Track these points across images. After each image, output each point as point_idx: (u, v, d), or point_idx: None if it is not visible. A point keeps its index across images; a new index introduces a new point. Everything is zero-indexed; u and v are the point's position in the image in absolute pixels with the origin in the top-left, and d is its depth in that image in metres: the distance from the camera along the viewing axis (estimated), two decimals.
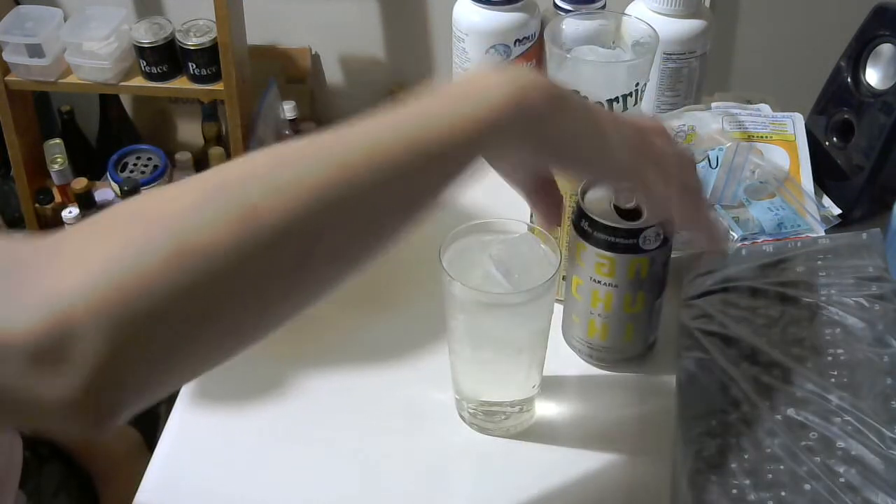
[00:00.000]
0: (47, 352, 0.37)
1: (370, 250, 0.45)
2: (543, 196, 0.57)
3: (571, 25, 0.81)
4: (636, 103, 0.78)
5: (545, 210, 0.57)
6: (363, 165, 0.42)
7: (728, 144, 0.81)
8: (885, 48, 0.81)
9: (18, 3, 1.81)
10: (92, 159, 1.93)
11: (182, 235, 0.39)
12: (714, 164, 0.79)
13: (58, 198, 1.85)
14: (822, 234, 0.77)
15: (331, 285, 0.44)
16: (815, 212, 0.79)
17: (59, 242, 0.40)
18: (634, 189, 0.57)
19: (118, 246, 0.39)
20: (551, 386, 0.68)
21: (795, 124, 0.86)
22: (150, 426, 0.89)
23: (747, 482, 0.58)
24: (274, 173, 0.42)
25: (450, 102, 0.45)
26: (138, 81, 1.72)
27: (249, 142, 1.71)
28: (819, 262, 0.71)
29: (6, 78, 1.69)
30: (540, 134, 0.47)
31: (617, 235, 0.63)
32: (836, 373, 0.63)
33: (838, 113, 0.84)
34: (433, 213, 0.46)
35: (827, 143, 0.85)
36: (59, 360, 0.37)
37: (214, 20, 1.62)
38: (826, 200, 0.83)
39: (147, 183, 1.80)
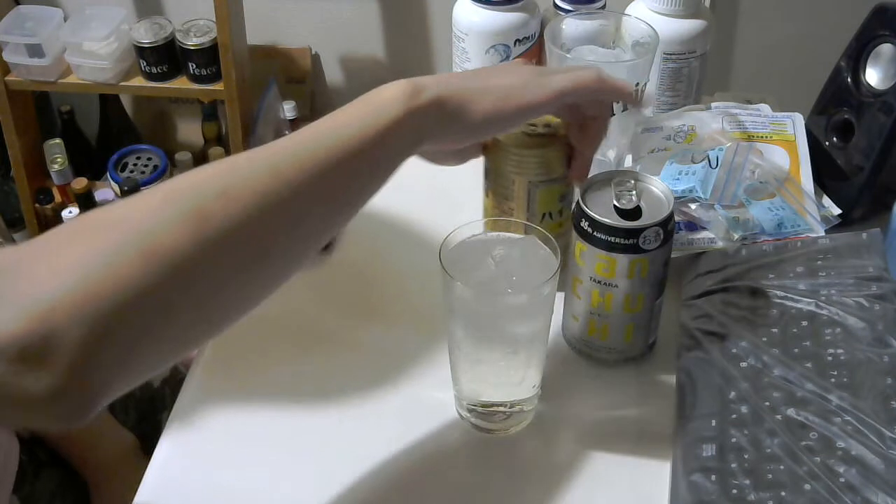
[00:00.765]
0: (31, 350, 0.42)
1: (312, 241, 0.53)
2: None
3: (571, 25, 0.81)
4: None
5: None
6: (293, 171, 0.50)
7: (728, 144, 0.81)
8: (885, 48, 0.81)
9: (18, 3, 1.81)
10: (92, 159, 1.93)
11: (146, 237, 0.45)
12: (714, 164, 0.79)
13: (58, 198, 1.84)
14: (822, 234, 0.77)
15: (286, 273, 0.52)
16: (815, 212, 0.79)
17: (37, 250, 0.46)
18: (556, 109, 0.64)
19: (90, 251, 0.44)
20: (551, 386, 0.68)
21: (795, 124, 0.86)
22: (150, 428, 0.89)
23: (747, 482, 0.58)
24: (220, 180, 0.49)
25: (359, 115, 0.54)
26: (138, 81, 1.72)
27: (249, 142, 1.71)
28: (819, 262, 0.71)
29: (6, 78, 1.69)
30: (447, 125, 0.56)
31: (617, 235, 0.63)
32: (836, 373, 0.63)
33: (838, 113, 0.84)
34: (360, 209, 0.54)
35: (827, 143, 0.85)
36: (42, 356, 0.42)
37: (214, 20, 1.62)
38: (826, 200, 0.83)
39: (147, 183, 1.80)
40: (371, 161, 0.53)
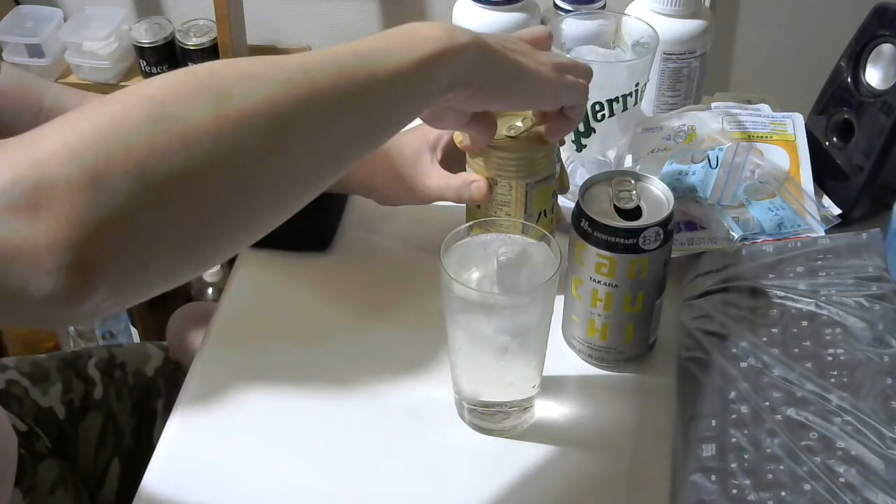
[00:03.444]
0: (20, 197, 0.38)
1: (334, 155, 0.50)
2: (476, 123, 0.65)
3: (571, 25, 0.81)
4: (636, 103, 0.79)
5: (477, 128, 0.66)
6: (324, 78, 0.48)
7: (728, 144, 0.81)
8: (885, 48, 0.81)
9: (18, 3, 1.81)
10: None
11: (158, 105, 0.43)
12: (714, 164, 0.79)
13: None
14: (822, 234, 0.77)
15: (305, 186, 0.49)
16: (815, 212, 0.79)
17: (45, 126, 0.42)
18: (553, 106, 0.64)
19: (98, 114, 0.42)
20: (551, 386, 0.68)
21: (795, 124, 0.86)
22: (146, 415, 0.89)
23: (747, 482, 0.58)
24: (246, 67, 0.47)
25: (397, 44, 0.53)
26: (138, 81, 1.72)
27: None
28: (819, 262, 0.71)
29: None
30: (476, 71, 0.56)
31: (617, 235, 0.63)
32: (836, 373, 0.63)
33: (838, 113, 0.84)
34: (382, 141, 0.53)
35: (827, 143, 0.85)
36: (34, 206, 0.38)
37: (214, 20, 1.61)
38: (826, 200, 0.83)
39: None
40: (405, 91, 0.52)
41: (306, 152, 0.48)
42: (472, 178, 0.71)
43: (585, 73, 0.65)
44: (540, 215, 0.72)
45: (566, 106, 0.63)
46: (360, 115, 0.50)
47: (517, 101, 0.62)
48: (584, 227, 0.65)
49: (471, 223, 0.64)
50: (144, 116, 0.42)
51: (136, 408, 0.89)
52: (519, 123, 0.69)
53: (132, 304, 0.44)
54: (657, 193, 0.66)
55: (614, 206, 0.65)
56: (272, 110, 0.45)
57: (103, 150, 0.40)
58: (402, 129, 0.55)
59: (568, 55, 0.77)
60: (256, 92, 0.45)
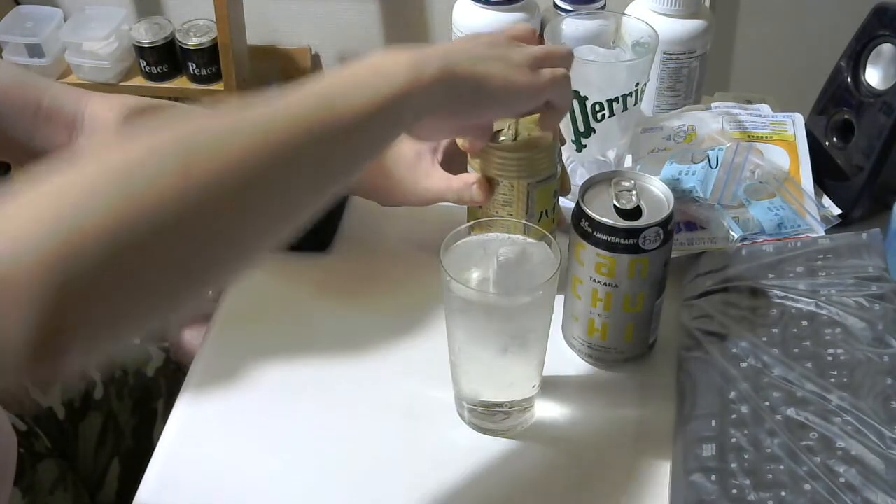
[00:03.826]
0: None
1: (297, 209, 0.50)
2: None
3: (571, 25, 0.81)
4: (636, 103, 0.79)
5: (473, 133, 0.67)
6: (285, 135, 0.48)
7: (728, 144, 0.81)
8: (885, 48, 0.81)
9: (18, 3, 1.81)
10: None
11: (124, 190, 0.43)
12: (714, 164, 0.79)
13: None
14: (822, 234, 0.77)
15: (267, 242, 0.50)
16: (815, 212, 0.79)
17: (10, 201, 0.43)
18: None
19: (72, 193, 0.43)
20: (551, 386, 0.68)
21: (795, 124, 0.86)
22: (146, 414, 0.89)
23: (747, 482, 0.58)
24: (208, 136, 0.47)
25: (361, 83, 0.52)
26: (138, 81, 1.72)
27: None
28: (819, 262, 0.71)
29: None
30: (444, 102, 0.56)
31: (617, 235, 0.63)
32: (836, 373, 0.63)
33: (838, 113, 0.84)
34: (350, 179, 0.53)
35: (827, 143, 0.85)
36: (3, 282, 0.40)
37: (214, 20, 1.62)
38: (826, 200, 0.83)
39: None
40: (368, 133, 0.52)
41: (272, 205, 0.48)
42: (473, 179, 0.71)
43: (563, 58, 0.64)
44: (541, 215, 0.72)
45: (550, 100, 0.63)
46: (325, 163, 0.50)
47: (493, 115, 0.63)
48: (584, 227, 0.65)
49: (471, 223, 0.64)
50: (111, 189, 0.43)
51: (137, 408, 0.89)
52: (503, 137, 0.69)
53: (103, 357, 0.46)
54: (657, 193, 0.66)
55: (614, 206, 0.65)
56: (236, 169, 0.46)
57: (75, 223, 0.42)
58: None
59: None
60: (219, 153, 0.46)
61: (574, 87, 0.74)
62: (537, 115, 0.66)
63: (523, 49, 0.62)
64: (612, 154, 0.83)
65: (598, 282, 0.66)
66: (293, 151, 0.48)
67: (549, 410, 0.68)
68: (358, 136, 0.51)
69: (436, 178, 0.74)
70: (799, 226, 0.78)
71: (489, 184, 0.70)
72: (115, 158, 0.45)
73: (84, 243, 0.41)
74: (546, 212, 0.72)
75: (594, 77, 0.76)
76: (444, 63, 0.55)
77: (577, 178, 0.83)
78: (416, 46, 0.56)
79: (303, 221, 0.51)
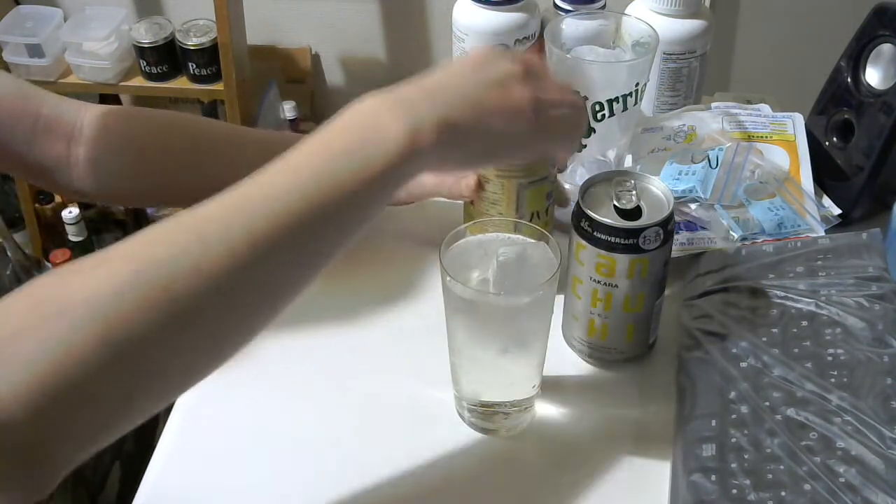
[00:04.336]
0: None
1: (283, 299, 0.49)
2: None
3: (571, 25, 0.81)
4: (636, 103, 0.79)
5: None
6: (269, 230, 0.45)
7: (728, 144, 0.81)
8: (885, 48, 0.81)
9: (18, 3, 1.81)
10: None
11: (102, 322, 0.42)
12: (714, 164, 0.79)
13: (58, 198, 1.84)
14: (822, 234, 0.77)
15: (257, 332, 0.49)
16: (815, 212, 0.79)
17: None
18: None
19: (40, 344, 0.41)
20: (551, 386, 0.68)
21: (795, 124, 0.86)
22: (149, 426, 0.89)
23: (747, 482, 0.58)
24: (189, 255, 0.44)
25: (346, 151, 0.48)
26: (138, 81, 1.72)
27: None
28: (819, 262, 0.71)
29: None
30: (441, 162, 0.51)
31: (617, 235, 0.63)
32: (836, 373, 0.63)
33: (838, 113, 0.84)
34: (344, 250, 0.50)
35: (827, 143, 0.85)
36: None
37: (214, 20, 1.61)
38: (826, 200, 0.83)
39: None
40: (360, 209, 0.49)
41: (261, 302, 0.48)
42: (463, 175, 0.71)
43: (574, 107, 0.58)
44: (533, 216, 0.72)
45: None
46: (311, 249, 0.48)
47: (492, 166, 0.64)
48: (584, 227, 0.64)
49: (469, 224, 0.64)
50: (96, 341, 0.42)
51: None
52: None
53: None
54: (657, 193, 0.66)
55: (614, 206, 0.65)
56: (218, 277, 0.44)
57: (57, 391, 0.41)
58: None
59: (568, 55, 0.77)
60: (204, 290, 0.44)
61: (574, 87, 0.75)
62: None
63: (538, 86, 0.55)
64: (612, 154, 0.83)
65: (598, 282, 0.66)
66: (278, 249, 0.46)
67: (549, 410, 0.68)
68: (349, 213, 0.48)
69: (429, 174, 0.74)
70: (799, 226, 0.78)
71: (480, 181, 0.71)
72: (94, 293, 0.43)
73: (63, 398, 0.42)
74: (538, 213, 0.72)
75: (594, 77, 0.76)
76: (440, 117, 0.50)
77: (577, 178, 0.83)
78: (402, 86, 0.51)
79: (288, 303, 0.50)
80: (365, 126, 0.49)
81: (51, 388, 0.41)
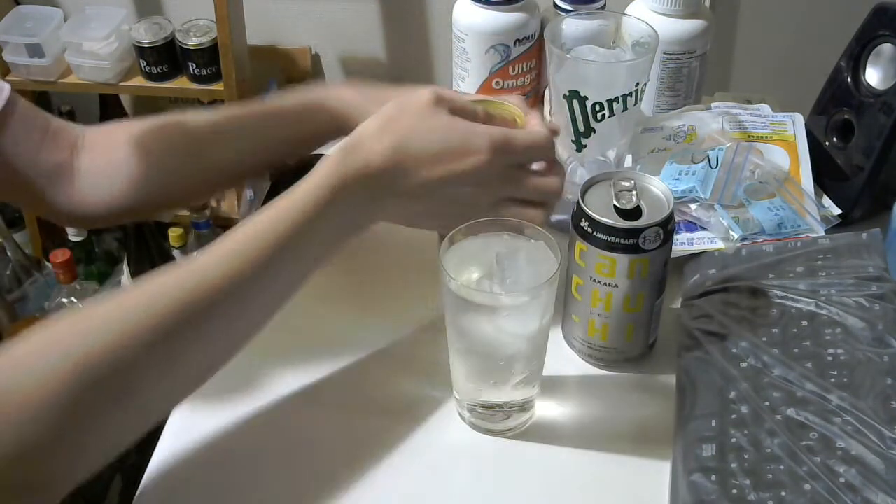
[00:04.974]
0: None
1: (221, 358, 0.61)
2: None
3: (571, 25, 0.81)
4: (636, 103, 0.79)
5: None
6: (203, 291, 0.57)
7: (728, 144, 0.81)
8: (885, 48, 0.81)
9: (18, 3, 1.81)
10: None
11: (17, 396, 0.49)
12: (714, 164, 0.79)
13: None
14: (822, 234, 0.77)
15: (187, 392, 0.58)
16: (815, 212, 0.79)
17: None
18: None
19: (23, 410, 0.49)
20: (551, 386, 0.68)
21: (795, 124, 0.86)
22: (152, 441, 0.89)
23: (747, 482, 0.58)
24: (105, 324, 0.53)
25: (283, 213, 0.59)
26: (138, 81, 1.72)
27: None
28: (819, 262, 0.71)
29: (6, 78, 1.69)
30: (365, 214, 0.65)
31: (617, 235, 0.63)
32: (836, 373, 0.63)
33: (838, 113, 0.84)
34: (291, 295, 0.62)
35: (827, 143, 0.85)
36: None
37: (214, 20, 1.62)
38: (826, 200, 0.83)
39: None
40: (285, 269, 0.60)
41: (220, 339, 0.59)
42: None
43: (547, 192, 0.68)
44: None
45: None
46: (260, 309, 0.61)
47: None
48: (584, 227, 0.65)
49: (469, 223, 0.63)
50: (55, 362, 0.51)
51: None
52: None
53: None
54: (657, 193, 0.66)
55: (614, 206, 0.65)
56: (133, 373, 0.53)
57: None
58: None
59: (568, 55, 0.77)
60: (120, 361, 0.52)
61: (574, 87, 0.75)
62: (511, 105, 0.69)
63: (493, 190, 0.66)
64: (612, 154, 0.83)
65: (598, 282, 0.66)
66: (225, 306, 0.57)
67: (549, 410, 0.68)
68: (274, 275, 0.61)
69: None
70: (799, 226, 0.78)
71: None
72: (80, 359, 0.51)
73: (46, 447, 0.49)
74: None
75: (594, 77, 0.76)
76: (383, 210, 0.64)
77: (577, 178, 0.83)
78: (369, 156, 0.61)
79: (255, 336, 0.60)
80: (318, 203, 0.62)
81: None
